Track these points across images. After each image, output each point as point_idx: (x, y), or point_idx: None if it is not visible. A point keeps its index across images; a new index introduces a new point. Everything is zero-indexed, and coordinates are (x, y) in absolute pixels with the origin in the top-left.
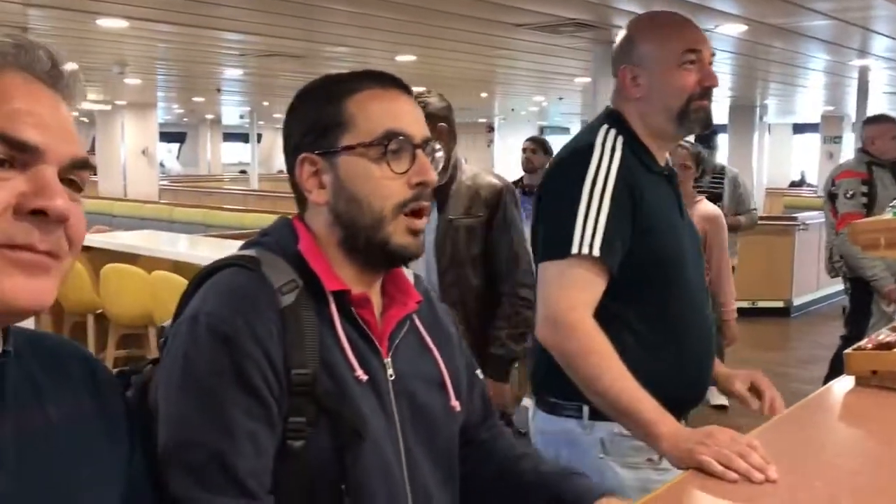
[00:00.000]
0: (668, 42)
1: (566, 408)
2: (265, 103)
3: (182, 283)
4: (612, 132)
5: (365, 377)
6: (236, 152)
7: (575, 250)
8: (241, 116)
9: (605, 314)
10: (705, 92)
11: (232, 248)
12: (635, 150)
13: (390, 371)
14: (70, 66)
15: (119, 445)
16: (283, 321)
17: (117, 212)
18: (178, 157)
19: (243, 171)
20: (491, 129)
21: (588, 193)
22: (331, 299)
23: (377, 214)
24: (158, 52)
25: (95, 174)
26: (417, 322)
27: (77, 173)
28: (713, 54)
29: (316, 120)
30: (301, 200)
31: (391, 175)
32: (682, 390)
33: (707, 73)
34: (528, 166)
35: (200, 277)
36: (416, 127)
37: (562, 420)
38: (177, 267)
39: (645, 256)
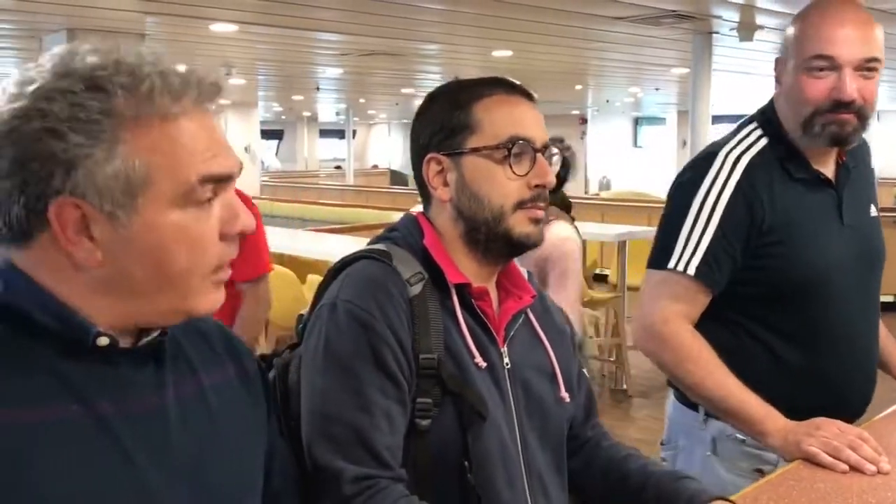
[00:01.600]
0: (802, 39)
1: (687, 401)
2: (361, 100)
3: (286, 273)
4: (753, 135)
5: (484, 364)
6: (331, 148)
7: (671, 265)
8: (337, 113)
9: (737, 331)
10: (838, 105)
11: (330, 241)
12: (779, 154)
13: (506, 360)
14: (215, 78)
15: (259, 406)
16: (411, 309)
17: None
18: (276, 154)
19: (338, 167)
20: (584, 120)
21: (697, 210)
22: (453, 291)
23: (497, 210)
24: (262, 54)
25: None
26: (531, 316)
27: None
28: (872, 60)
29: (444, 122)
30: (425, 197)
31: (512, 176)
32: (826, 411)
33: (840, 86)
34: None
35: (335, 269)
36: (538, 132)
37: (685, 409)
38: (280, 259)
39: (774, 272)
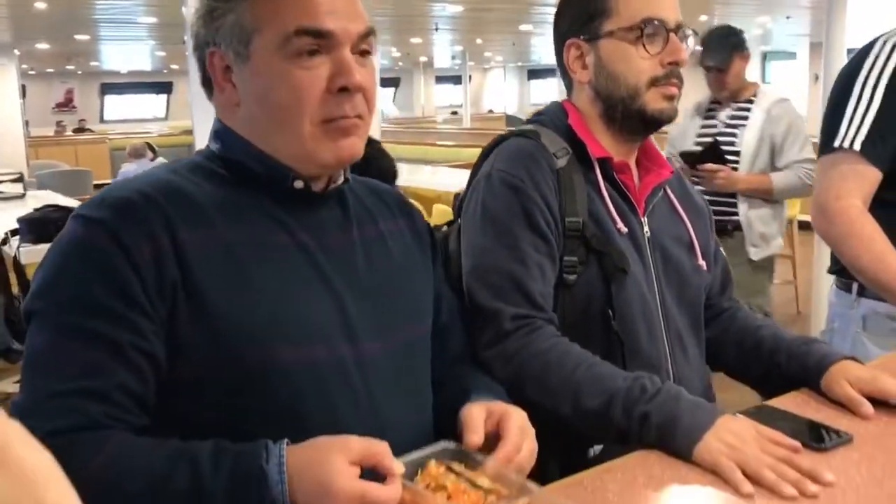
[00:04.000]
0: None
1: (842, 283)
2: (478, 41)
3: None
4: None
5: (625, 229)
6: (447, 95)
7: (837, 143)
8: (453, 57)
9: (889, 206)
10: None
11: (450, 175)
12: None
13: (646, 228)
14: None
15: (426, 255)
16: (558, 179)
17: None
18: (393, 101)
19: (454, 112)
20: None
21: (859, 90)
22: (596, 165)
23: (632, 88)
24: None
25: None
26: (670, 192)
27: (365, 42)
28: None
29: (582, 10)
30: (567, 82)
31: (646, 55)
32: None
33: None
34: None
35: (489, 147)
36: (671, 13)
37: (841, 293)
38: (405, 192)
39: None
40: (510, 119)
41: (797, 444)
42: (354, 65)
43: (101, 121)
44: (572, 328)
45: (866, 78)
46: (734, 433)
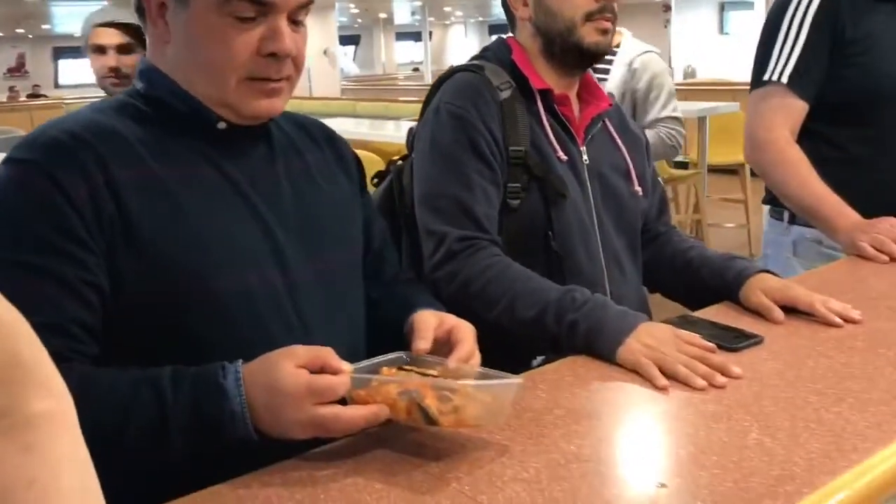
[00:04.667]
0: None
1: (775, 212)
2: None
3: (370, 156)
4: None
5: (565, 158)
6: (408, 52)
7: (766, 77)
8: (413, 13)
9: (816, 137)
10: None
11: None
12: None
13: (585, 157)
14: None
15: (353, 183)
16: (501, 111)
17: (306, 109)
18: (353, 59)
19: (416, 69)
20: (667, 8)
21: (787, 25)
22: (538, 97)
23: (569, 22)
24: None
25: None
26: (608, 124)
27: (302, 12)
28: None
29: None
30: (510, 20)
31: None
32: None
33: None
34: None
35: (439, 81)
36: None
37: (773, 221)
38: (367, 146)
39: (853, 82)
40: None
41: (712, 345)
42: (287, 31)
43: (56, 86)
44: (516, 250)
45: (793, 15)
46: (653, 336)
